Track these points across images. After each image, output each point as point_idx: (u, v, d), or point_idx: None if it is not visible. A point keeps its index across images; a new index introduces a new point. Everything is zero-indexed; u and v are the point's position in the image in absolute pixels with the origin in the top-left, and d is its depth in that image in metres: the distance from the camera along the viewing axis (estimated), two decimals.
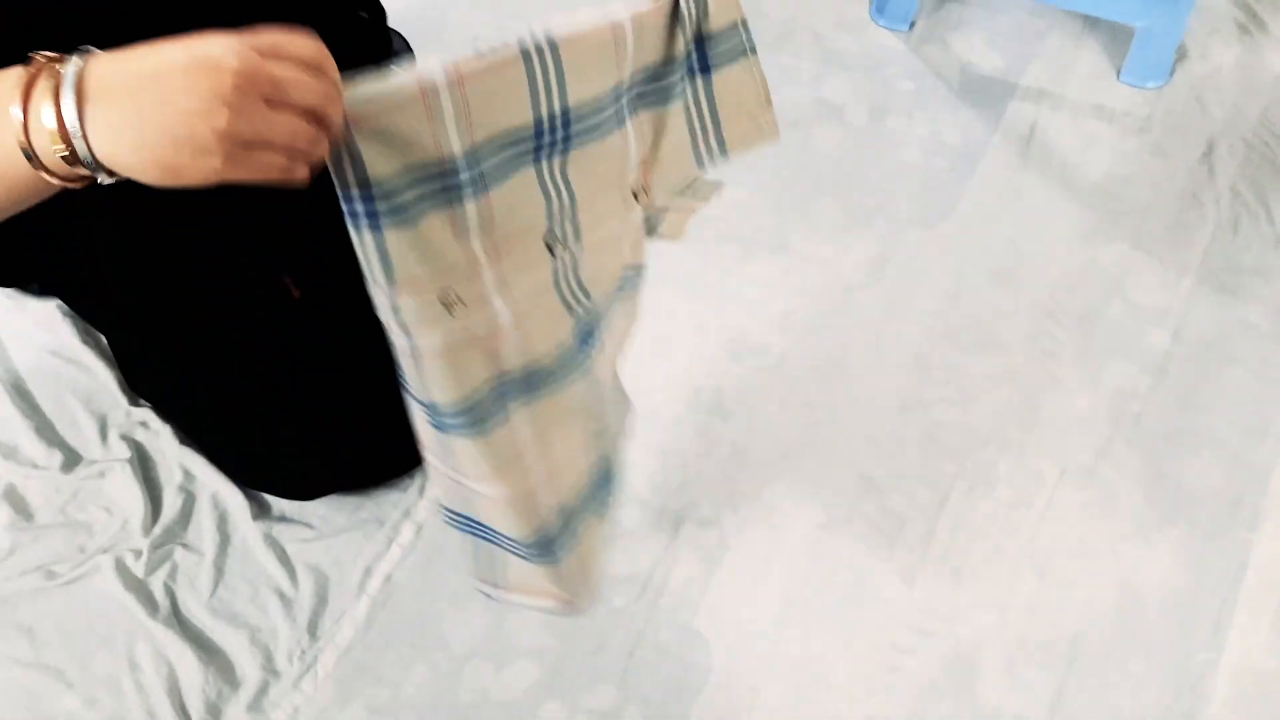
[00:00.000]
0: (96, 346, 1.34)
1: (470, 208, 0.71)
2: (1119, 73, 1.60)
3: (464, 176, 0.70)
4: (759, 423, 1.32)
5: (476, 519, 0.89)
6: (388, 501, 1.26)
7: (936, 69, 1.62)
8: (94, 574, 1.20)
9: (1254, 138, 1.54)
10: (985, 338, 1.38)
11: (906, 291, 1.41)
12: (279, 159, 0.55)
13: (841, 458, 1.30)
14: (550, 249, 0.79)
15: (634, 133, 0.80)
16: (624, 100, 0.77)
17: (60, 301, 1.36)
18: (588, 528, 0.96)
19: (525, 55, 0.69)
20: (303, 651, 1.17)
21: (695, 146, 0.86)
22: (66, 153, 0.52)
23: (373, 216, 0.67)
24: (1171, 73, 1.60)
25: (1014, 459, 1.29)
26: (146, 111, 0.51)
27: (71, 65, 0.52)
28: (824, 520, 1.26)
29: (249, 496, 1.25)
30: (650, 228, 0.94)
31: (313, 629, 1.18)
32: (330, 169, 0.63)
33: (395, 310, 0.71)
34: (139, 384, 1.31)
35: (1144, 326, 1.39)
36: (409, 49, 1.27)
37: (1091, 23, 1.66)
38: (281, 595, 1.19)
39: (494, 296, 0.76)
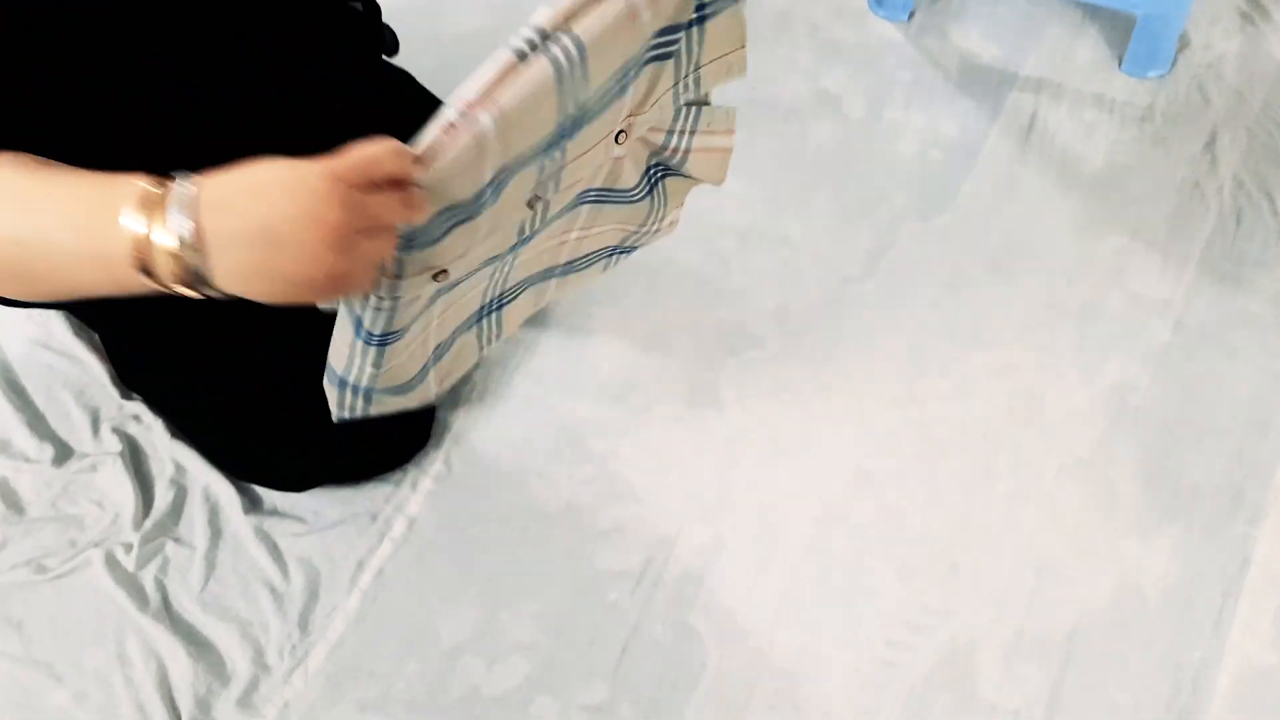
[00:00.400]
0: (89, 339, 1.33)
1: (486, 215, 0.77)
2: (1120, 62, 1.58)
3: (488, 193, 0.74)
4: (754, 417, 1.31)
5: (362, 382, 0.92)
6: (380, 495, 1.25)
7: (935, 60, 1.60)
8: (84, 568, 1.20)
9: (1257, 127, 1.52)
10: (983, 330, 1.36)
11: (903, 284, 1.40)
12: (369, 274, 0.61)
13: (837, 453, 1.28)
14: (530, 205, 0.84)
15: (631, 92, 0.82)
16: (631, 68, 0.79)
17: None
18: (457, 349, 1.03)
19: (559, 72, 0.70)
20: (293, 646, 1.16)
21: (676, 89, 0.88)
22: (186, 278, 0.57)
23: (408, 245, 0.72)
24: (1173, 62, 1.58)
25: (1011, 453, 1.28)
26: (263, 262, 0.56)
27: (184, 194, 0.56)
28: (820, 516, 1.25)
29: (240, 490, 1.24)
30: (679, 170, 0.99)
31: (304, 623, 1.17)
32: None
33: (392, 289, 0.76)
34: (131, 379, 1.30)
35: (1144, 318, 1.38)
36: (397, 43, 1.26)
37: (1092, 11, 1.64)
38: (273, 589, 1.19)
39: (474, 267, 0.85)
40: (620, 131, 0.86)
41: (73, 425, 1.29)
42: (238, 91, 0.89)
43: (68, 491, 1.24)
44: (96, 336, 1.33)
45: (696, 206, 1.37)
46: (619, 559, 1.22)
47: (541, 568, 1.21)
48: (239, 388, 1.16)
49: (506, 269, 0.98)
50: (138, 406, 1.29)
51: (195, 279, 0.57)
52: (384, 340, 0.83)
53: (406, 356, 0.93)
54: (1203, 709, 1.14)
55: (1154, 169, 1.50)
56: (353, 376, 0.91)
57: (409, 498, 1.24)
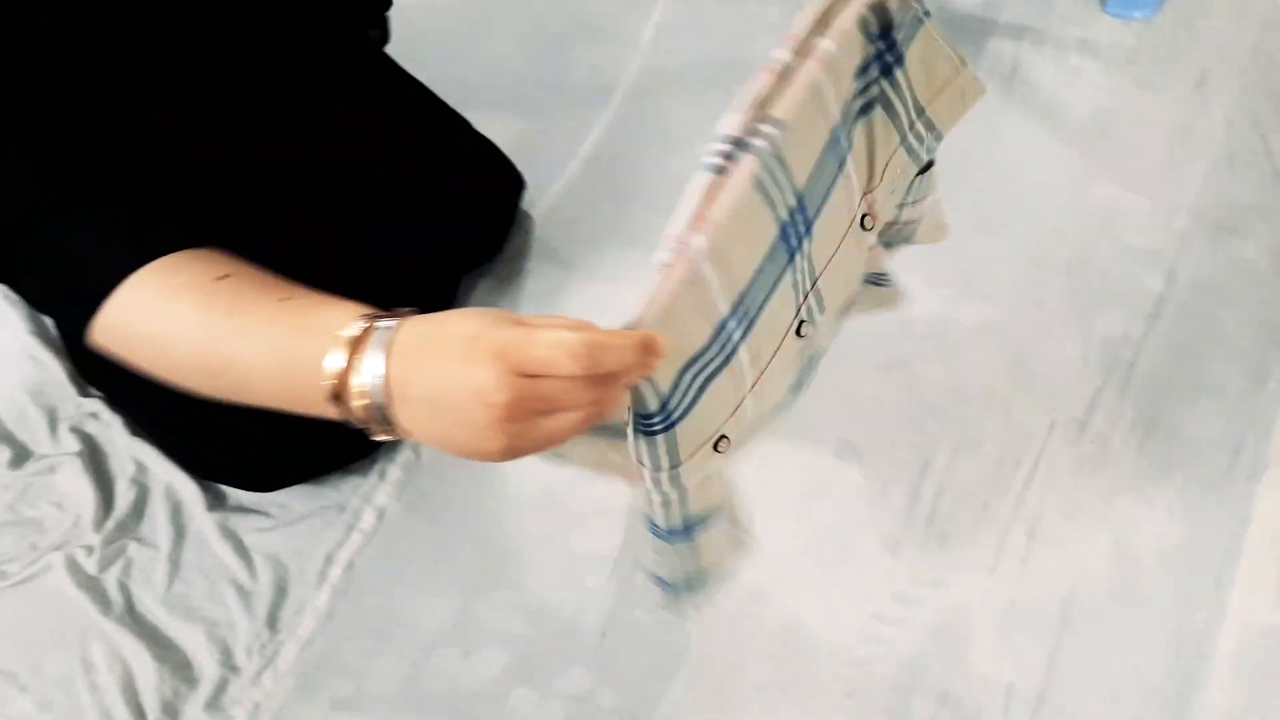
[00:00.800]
0: (44, 337, 1.29)
1: (743, 354, 0.67)
2: (1104, 3, 1.52)
3: (733, 329, 0.65)
4: None
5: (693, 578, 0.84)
6: (347, 486, 1.21)
7: None
8: (46, 573, 1.16)
9: (1249, 66, 1.46)
10: (968, 289, 1.31)
11: None
12: (549, 446, 0.56)
13: (819, 422, 1.24)
14: (800, 334, 0.74)
15: (851, 163, 0.72)
16: (840, 140, 0.70)
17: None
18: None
19: (760, 157, 0.62)
20: (262, 645, 1.12)
21: (906, 143, 0.77)
22: (375, 418, 0.56)
23: (667, 422, 0.63)
24: (1160, 1, 1.52)
25: (1001, 415, 1.23)
26: (435, 428, 0.55)
27: (382, 339, 0.56)
28: (803, 488, 1.20)
29: (204, 487, 1.20)
30: (902, 240, 0.86)
31: (272, 622, 1.14)
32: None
33: (674, 481, 0.68)
34: (92, 374, 1.26)
35: (1136, 270, 1.32)
36: (388, 36, 1.22)
37: None
38: (239, 588, 1.15)
39: (749, 407, 0.72)
40: (865, 215, 0.76)
41: (30, 426, 1.25)
42: (238, 91, 0.87)
43: (26, 494, 1.21)
44: (53, 333, 1.29)
45: (659, 174, 1.32)
46: (596, 542, 1.18)
47: (517, 554, 1.17)
48: None
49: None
50: (96, 404, 1.25)
51: (383, 421, 0.57)
52: (689, 532, 0.75)
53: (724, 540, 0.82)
54: (1205, 674, 1.10)
55: (1142, 114, 1.44)
56: (680, 576, 0.81)
57: (377, 487, 1.20)
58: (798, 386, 0.82)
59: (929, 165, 0.81)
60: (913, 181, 0.80)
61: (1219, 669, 1.10)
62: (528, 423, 0.54)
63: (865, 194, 0.76)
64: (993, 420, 1.23)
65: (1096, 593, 1.14)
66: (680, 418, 0.64)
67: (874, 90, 0.72)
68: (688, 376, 0.63)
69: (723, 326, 0.64)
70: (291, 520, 1.18)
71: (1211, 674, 1.10)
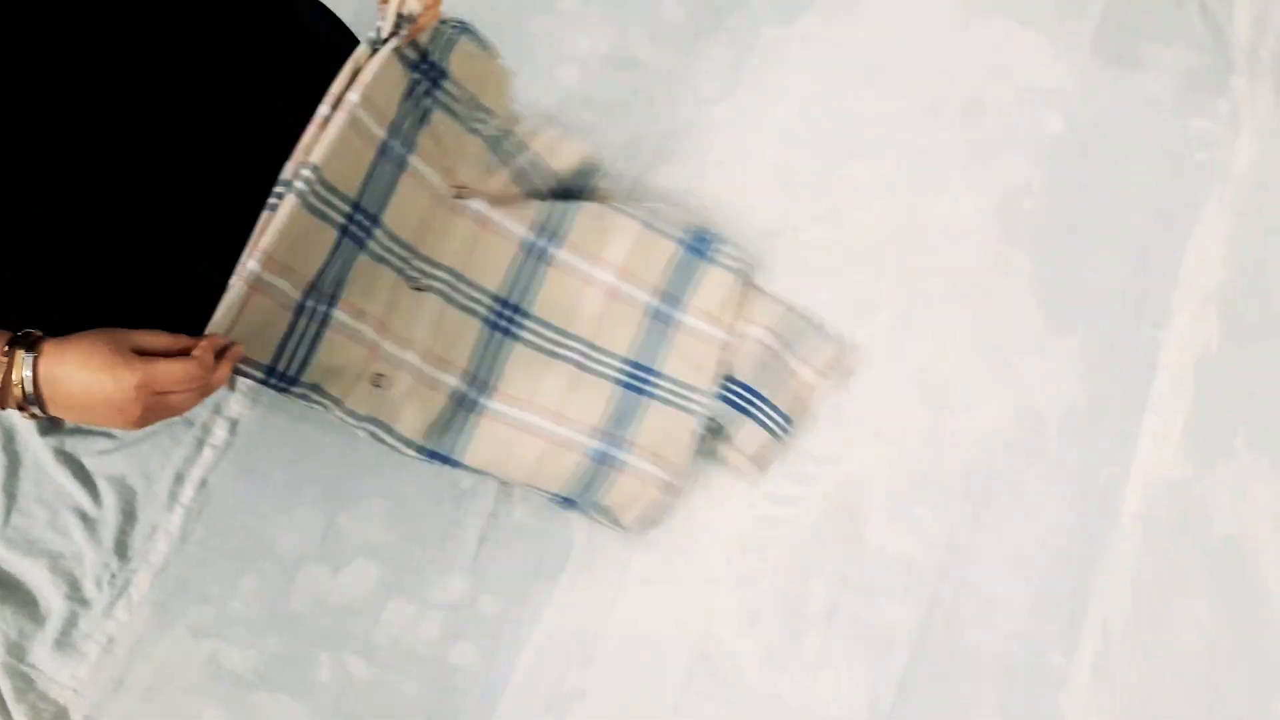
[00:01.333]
0: None
1: (339, 316, 0.92)
2: None
3: (316, 305, 0.89)
4: None
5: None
6: None
7: None
8: None
9: None
10: (857, 143, 1.22)
11: (766, 98, 1.24)
12: (180, 413, 0.81)
13: None
14: (419, 288, 0.97)
15: (420, 162, 0.95)
16: (394, 149, 0.91)
17: None
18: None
19: (301, 196, 0.83)
20: (113, 575, 1.04)
21: (472, 128, 0.99)
22: (29, 406, 0.75)
23: (288, 380, 0.90)
24: None
25: (895, 277, 1.16)
26: (90, 418, 0.76)
27: (29, 359, 0.74)
28: None
29: None
30: (544, 174, 1.06)
31: (122, 549, 1.05)
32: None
33: (354, 415, 0.94)
34: None
35: (1035, 112, 1.24)
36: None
37: None
38: (83, 515, 1.06)
39: (403, 353, 0.97)
40: (456, 187, 0.99)
41: None
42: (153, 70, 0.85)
43: None
44: None
45: (520, 36, 1.22)
46: None
47: (385, 461, 1.08)
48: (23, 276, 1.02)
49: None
50: None
51: (36, 407, 0.75)
52: (434, 456, 1.00)
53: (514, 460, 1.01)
54: (1110, 531, 1.06)
55: None
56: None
57: (227, 397, 1.11)
58: (487, 331, 1.02)
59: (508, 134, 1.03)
60: (505, 145, 1.03)
61: (1125, 527, 1.06)
62: (152, 418, 0.77)
63: (449, 176, 0.98)
64: (887, 283, 1.15)
65: (999, 458, 1.08)
66: (299, 372, 0.90)
67: (426, 103, 0.94)
68: (289, 345, 0.88)
69: (301, 308, 0.88)
70: (135, 439, 1.09)
71: (1116, 533, 1.06)
